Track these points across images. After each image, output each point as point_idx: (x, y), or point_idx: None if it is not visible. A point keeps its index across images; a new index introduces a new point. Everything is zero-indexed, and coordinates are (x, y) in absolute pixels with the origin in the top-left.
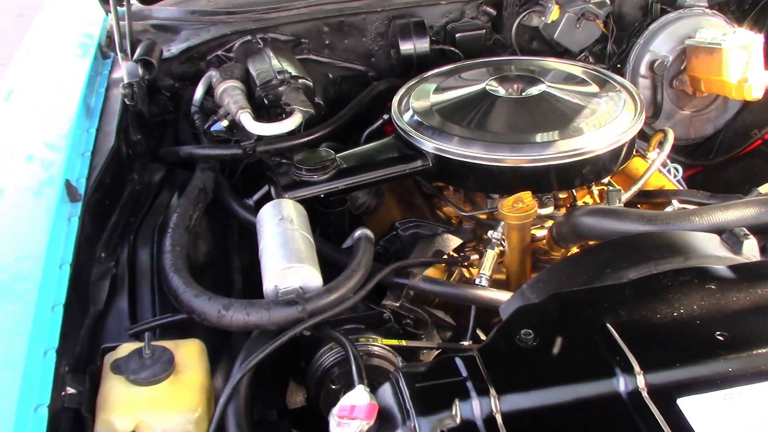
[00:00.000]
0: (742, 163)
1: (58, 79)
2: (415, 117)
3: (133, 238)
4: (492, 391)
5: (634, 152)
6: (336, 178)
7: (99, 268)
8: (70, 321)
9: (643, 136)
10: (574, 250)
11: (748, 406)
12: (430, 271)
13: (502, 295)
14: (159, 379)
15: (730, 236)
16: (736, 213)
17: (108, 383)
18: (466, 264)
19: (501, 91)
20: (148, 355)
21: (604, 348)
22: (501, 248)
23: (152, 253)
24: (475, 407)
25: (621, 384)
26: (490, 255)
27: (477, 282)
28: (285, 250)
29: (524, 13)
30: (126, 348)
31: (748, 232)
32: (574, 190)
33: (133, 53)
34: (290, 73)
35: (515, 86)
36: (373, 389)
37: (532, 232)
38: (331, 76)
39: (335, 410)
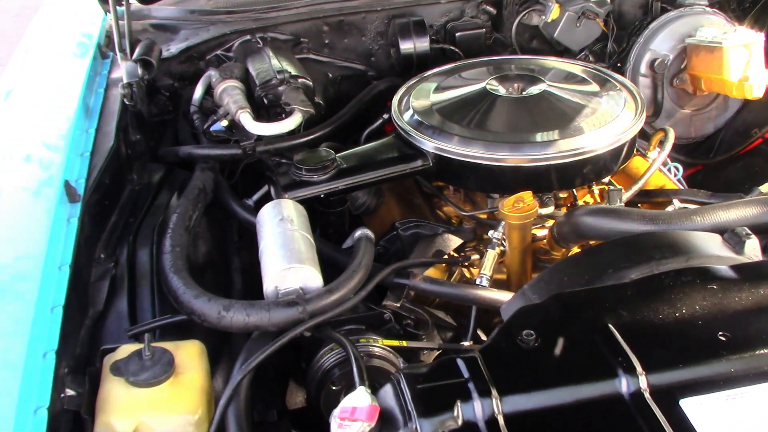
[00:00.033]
0: (742, 162)
1: (57, 79)
2: (416, 116)
3: (133, 239)
4: (494, 392)
5: (634, 151)
6: (336, 178)
7: (98, 269)
8: (70, 322)
9: (644, 135)
10: (575, 249)
11: (751, 406)
12: (431, 271)
13: (503, 296)
14: (159, 381)
15: (731, 236)
16: (737, 212)
17: (107, 385)
18: (466, 264)
19: (501, 91)
20: (147, 356)
21: (606, 349)
22: (501, 248)
23: (152, 253)
24: (476, 408)
25: (623, 385)
26: (491, 255)
27: (478, 282)
28: (285, 250)
29: (524, 12)
30: (126, 349)
31: (750, 232)
32: (574, 190)
33: (132, 53)
34: (290, 72)
35: (515, 85)
36: (374, 390)
37: (533, 231)
38: (330, 75)
39: (336, 412)
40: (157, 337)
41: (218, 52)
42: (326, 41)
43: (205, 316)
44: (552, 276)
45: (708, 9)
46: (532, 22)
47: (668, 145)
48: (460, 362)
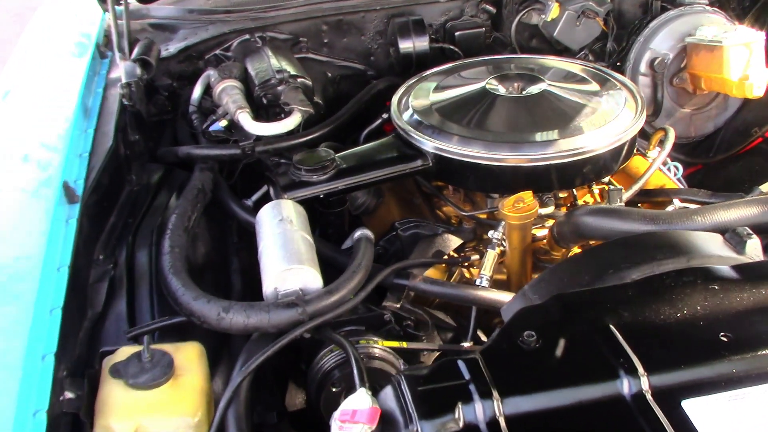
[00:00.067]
0: (742, 161)
1: (55, 79)
2: (415, 116)
3: (132, 240)
4: (495, 393)
5: (634, 151)
6: (335, 178)
7: (97, 270)
8: (69, 324)
9: (644, 134)
10: (575, 250)
11: (753, 407)
12: (431, 272)
13: (504, 296)
14: (158, 383)
15: (732, 236)
16: (738, 212)
17: (107, 387)
18: (466, 264)
19: (501, 90)
20: (147, 358)
21: (608, 350)
22: (501, 248)
23: (151, 254)
24: (478, 410)
25: (625, 386)
26: (491, 255)
27: (478, 282)
28: (285, 251)
29: (524, 11)
30: (125, 351)
31: (751, 232)
32: (574, 190)
33: (131, 53)
34: (289, 72)
35: (515, 85)
36: (375, 392)
37: (533, 231)
38: (329, 75)
39: (337, 414)
40: (156, 338)
41: (217, 51)
42: (325, 40)
43: (205, 318)
44: (552, 276)
45: (708, 8)
46: (531, 21)
47: (668, 145)
48: (460, 364)
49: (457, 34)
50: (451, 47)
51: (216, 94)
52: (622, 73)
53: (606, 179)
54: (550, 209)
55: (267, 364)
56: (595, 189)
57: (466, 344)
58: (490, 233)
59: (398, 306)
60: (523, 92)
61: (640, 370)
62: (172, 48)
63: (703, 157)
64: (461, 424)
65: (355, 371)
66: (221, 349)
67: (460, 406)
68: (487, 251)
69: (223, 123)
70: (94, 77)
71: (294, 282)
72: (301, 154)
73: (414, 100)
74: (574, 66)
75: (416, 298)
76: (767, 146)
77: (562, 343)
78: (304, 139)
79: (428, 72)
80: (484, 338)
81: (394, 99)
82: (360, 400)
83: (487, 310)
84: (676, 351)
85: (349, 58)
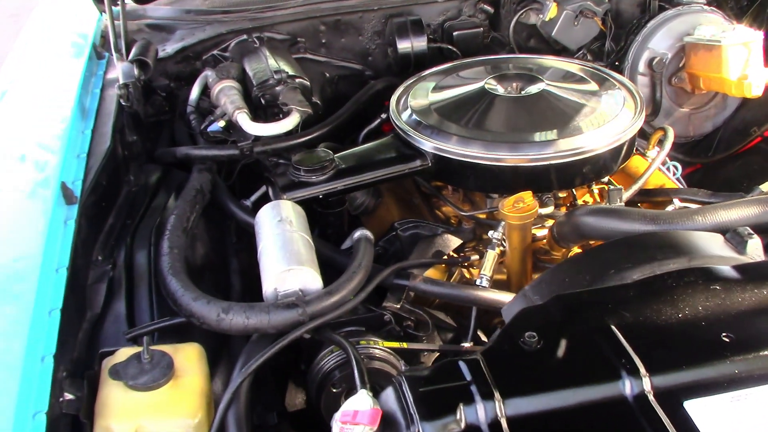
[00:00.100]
0: (741, 161)
1: (52, 79)
2: (414, 116)
3: (130, 241)
4: (496, 395)
5: (634, 150)
6: (335, 178)
7: (96, 271)
8: (68, 325)
9: (643, 134)
10: (575, 249)
11: (756, 408)
12: (430, 272)
13: (504, 296)
14: (158, 385)
15: (733, 236)
16: (739, 212)
17: (106, 389)
18: (466, 264)
19: (500, 90)
20: (146, 359)
21: (609, 350)
22: (501, 248)
23: (149, 255)
24: (479, 412)
25: (627, 387)
26: (491, 255)
27: (478, 283)
28: (284, 252)
29: (522, 11)
30: (124, 352)
31: (752, 232)
32: (574, 189)
33: (128, 53)
34: (287, 72)
35: (514, 85)
36: (375, 393)
37: (533, 231)
38: (328, 75)
39: (338, 415)
40: (156, 339)
41: (215, 52)
42: (323, 41)
43: (204, 319)
44: (553, 277)
45: (706, 7)
46: (529, 21)
47: (668, 144)
48: (462, 364)
49: (455, 34)
50: (450, 47)
51: (214, 95)
52: (621, 72)
53: (605, 179)
54: (549, 209)
55: (267, 365)
56: (595, 189)
57: (467, 344)
58: (490, 233)
59: (398, 306)
60: (522, 92)
61: (642, 370)
62: (169, 48)
63: (702, 157)
64: (463, 425)
65: (356, 372)
66: (221, 350)
67: (461, 407)
68: (487, 251)
69: (222, 123)
70: (91, 78)
71: (294, 283)
72: (300, 155)
73: (413, 100)
74: (573, 66)
75: (416, 298)
76: (766, 145)
77: (563, 343)
78: (303, 139)
79: (427, 72)
80: (484, 338)
81: (393, 99)
82: (361, 402)
83: (487, 310)
84: (678, 351)
85: (347, 58)
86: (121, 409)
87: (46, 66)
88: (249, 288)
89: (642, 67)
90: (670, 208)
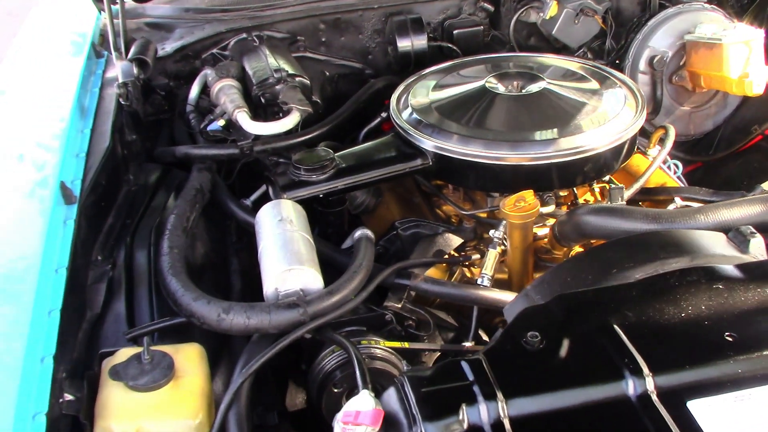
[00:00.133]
0: (741, 159)
1: (51, 78)
2: (414, 115)
3: (130, 241)
4: (499, 395)
5: (635, 149)
6: (335, 177)
7: (95, 271)
8: (67, 326)
9: (643, 132)
10: (577, 249)
11: (759, 408)
12: (431, 271)
13: (506, 296)
14: (159, 385)
15: (736, 234)
16: (741, 211)
17: (106, 389)
18: (467, 264)
19: (501, 88)
20: (147, 360)
21: (612, 350)
22: (503, 247)
23: (149, 255)
24: (482, 412)
25: (630, 387)
26: (492, 255)
27: (479, 282)
28: (285, 251)
29: (522, 9)
30: (124, 353)
31: (754, 230)
32: (575, 188)
33: (127, 52)
34: (287, 71)
35: (515, 83)
36: (377, 393)
37: (534, 230)
38: (327, 73)
39: (340, 416)
40: (156, 339)
41: (214, 50)
42: (323, 39)
43: (205, 319)
44: (555, 276)
45: (707, 5)
46: (530, 19)
47: (669, 143)
48: (464, 365)
49: (455, 32)
50: (450, 45)
51: (213, 94)
52: (621, 71)
53: (606, 177)
54: (550, 208)
55: (267, 365)
56: (596, 187)
57: (468, 344)
58: (491, 232)
59: (399, 306)
60: (523, 91)
61: (645, 370)
62: (168, 47)
63: (703, 155)
64: (465, 425)
65: (358, 372)
66: (221, 350)
67: (464, 407)
68: (488, 250)
69: (221, 122)
70: (90, 77)
71: (295, 282)
72: (300, 154)
73: (413, 99)
74: (574, 64)
75: (417, 297)
76: (767, 144)
77: (566, 343)
78: (303, 138)
79: (427, 70)
80: (485, 338)
81: (393, 98)
82: (363, 402)
83: (488, 309)
84: (681, 351)
85: (347, 56)
86: (122, 409)
87: (44, 65)
88: (249, 287)
89: (643, 65)
90: (671, 206)
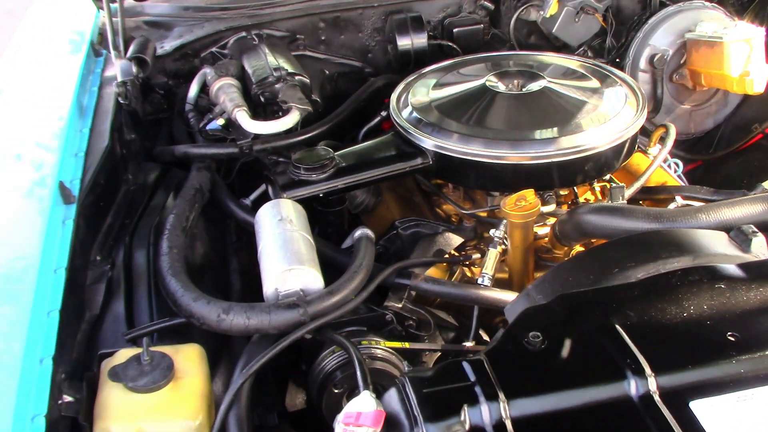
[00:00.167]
0: (742, 158)
1: (49, 77)
2: (414, 114)
3: (129, 241)
4: (501, 395)
5: (636, 148)
6: (335, 176)
7: (94, 271)
8: (66, 326)
9: (644, 131)
10: (577, 248)
11: (761, 408)
12: (432, 271)
13: (507, 296)
14: (158, 386)
15: (738, 234)
16: (743, 210)
17: (106, 390)
18: (467, 263)
19: (501, 87)
20: (146, 361)
21: (614, 350)
22: (503, 247)
23: (148, 255)
24: (484, 413)
25: (632, 387)
26: (493, 254)
27: (479, 282)
28: (285, 251)
29: (522, 7)
30: (123, 354)
31: (756, 230)
32: (575, 187)
33: (126, 51)
34: (287, 70)
35: (515, 82)
36: (377, 393)
37: (534, 229)
38: (327, 72)
39: (341, 417)
40: (155, 340)
41: (213, 49)
42: (322, 38)
43: (205, 319)
44: (556, 276)
45: (707, 3)
46: (530, 18)
47: (669, 142)
48: (466, 365)
49: (455, 30)
50: (450, 44)
51: (213, 93)
52: (621, 69)
53: (607, 176)
54: (551, 207)
55: (268, 365)
56: (597, 186)
57: (468, 344)
58: (492, 232)
59: (400, 306)
60: (523, 89)
61: (648, 370)
62: (167, 46)
63: (703, 154)
64: (467, 426)
65: (359, 373)
66: (221, 351)
67: (465, 408)
68: (488, 250)
69: (221, 121)
70: (89, 76)
71: (295, 282)
72: (300, 153)
73: (413, 98)
74: (574, 62)
75: (417, 297)
76: (767, 142)
77: (567, 343)
78: (303, 137)
79: (427, 69)
80: (486, 337)
81: (393, 96)
82: (364, 403)
83: (488, 309)
84: (683, 351)
85: (346, 55)
86: (121, 411)
87: (43, 64)
88: (249, 287)
89: (643, 63)
90: (672, 205)
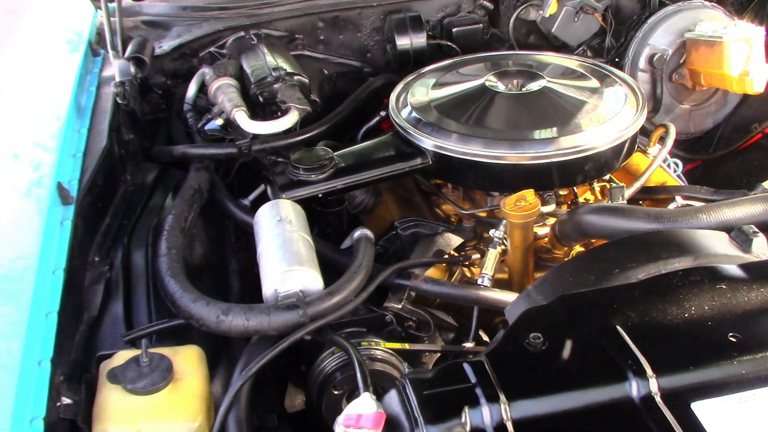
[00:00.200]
0: (741, 157)
1: (47, 77)
2: (414, 113)
3: (127, 241)
4: (502, 397)
5: (635, 148)
6: (334, 177)
7: (93, 272)
8: (65, 328)
9: (643, 131)
10: (577, 248)
11: (763, 409)
12: (431, 271)
13: (507, 296)
14: (157, 388)
15: (738, 234)
16: (744, 210)
17: (104, 393)
18: (467, 263)
19: (500, 87)
20: (145, 363)
21: (615, 351)
22: (503, 247)
23: (147, 256)
24: (485, 414)
25: (633, 388)
26: (493, 254)
27: (479, 282)
28: (284, 252)
29: (522, 7)
30: (122, 356)
31: (756, 230)
32: (575, 187)
33: (124, 50)
34: (285, 69)
35: (515, 81)
36: (377, 395)
37: (534, 230)
38: (326, 72)
39: (341, 419)
40: (154, 341)
41: (211, 49)
42: (321, 37)
43: (204, 321)
44: (557, 276)
45: (707, 3)
46: (529, 17)
47: (669, 142)
48: (466, 366)
49: (454, 30)
50: (449, 44)
51: (211, 93)
52: (621, 69)
53: (607, 176)
54: (551, 207)
55: (267, 366)
56: (596, 186)
57: (468, 344)
58: (492, 232)
59: (400, 307)
60: (523, 89)
61: (649, 371)
62: (165, 45)
63: (703, 154)
64: (468, 428)
65: (359, 374)
66: (220, 352)
67: (466, 410)
68: (488, 250)
69: (219, 121)
70: (87, 75)
71: (294, 283)
72: (299, 153)
73: (412, 98)
74: (573, 62)
75: (417, 298)
76: (767, 142)
77: (568, 344)
78: (302, 137)
79: (426, 69)
80: (485, 338)
81: (392, 96)
82: (364, 405)
83: (488, 310)
84: (685, 352)
85: (345, 55)
86: (120, 413)
87: (41, 63)
88: (248, 288)
89: (642, 63)
90: (672, 205)
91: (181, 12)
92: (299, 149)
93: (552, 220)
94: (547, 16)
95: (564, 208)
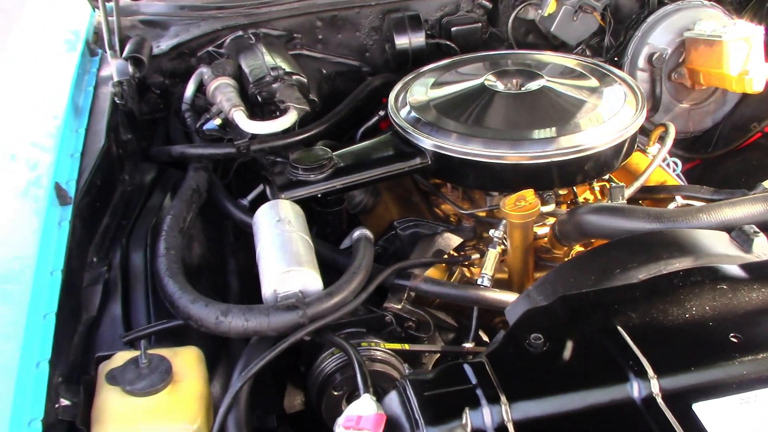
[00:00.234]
0: (740, 157)
1: (45, 77)
2: (413, 113)
3: (126, 242)
4: (503, 398)
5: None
6: (333, 177)
7: (91, 273)
8: (63, 329)
9: (642, 130)
10: (577, 248)
11: (765, 410)
12: (431, 271)
13: (507, 296)
14: (156, 390)
15: (739, 234)
16: (744, 210)
17: (103, 394)
18: (467, 263)
19: (500, 86)
20: (144, 364)
21: (616, 352)
22: (503, 247)
23: (145, 256)
24: (485, 416)
25: (635, 389)
26: (492, 254)
27: (479, 282)
28: (284, 252)
29: (521, 6)
30: (121, 357)
31: (757, 230)
32: (575, 187)
33: (122, 50)
34: (284, 69)
35: (514, 81)
36: (377, 395)
37: (534, 229)
38: (324, 71)
39: (341, 420)
40: (153, 342)
41: (210, 48)
42: (320, 37)
43: (203, 321)
44: (557, 277)
45: (706, 2)
46: (528, 17)
47: (669, 141)
48: (467, 367)
49: (453, 29)
50: (448, 43)
51: (209, 92)
52: (620, 68)
53: (606, 176)
54: (550, 207)
55: (266, 367)
56: (596, 186)
57: (468, 345)
58: (491, 232)
59: (399, 307)
60: (522, 88)
61: (650, 372)
62: (163, 45)
63: (702, 153)
64: (469, 429)
65: (359, 376)
66: (219, 353)
67: (467, 411)
68: (488, 250)
69: (218, 121)
70: (85, 75)
71: (294, 284)
72: (298, 153)
73: (411, 97)
74: (572, 61)
75: (416, 298)
76: (766, 141)
77: (569, 345)
78: (301, 137)
79: (425, 68)
80: (485, 338)
81: (391, 96)
82: (365, 406)
83: (488, 310)
84: (686, 352)
85: (344, 54)
86: (119, 415)
87: (38, 63)
88: (247, 289)
89: (641, 62)
90: (672, 205)
91: (179, 11)
92: (298, 149)
93: (552, 220)
94: (546, 15)
95: (564, 208)
